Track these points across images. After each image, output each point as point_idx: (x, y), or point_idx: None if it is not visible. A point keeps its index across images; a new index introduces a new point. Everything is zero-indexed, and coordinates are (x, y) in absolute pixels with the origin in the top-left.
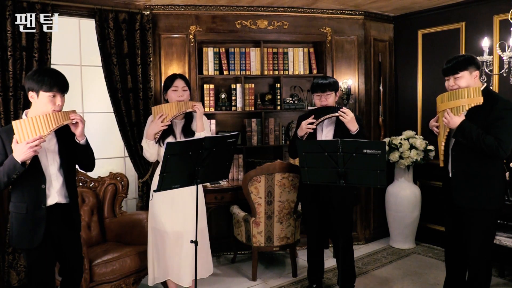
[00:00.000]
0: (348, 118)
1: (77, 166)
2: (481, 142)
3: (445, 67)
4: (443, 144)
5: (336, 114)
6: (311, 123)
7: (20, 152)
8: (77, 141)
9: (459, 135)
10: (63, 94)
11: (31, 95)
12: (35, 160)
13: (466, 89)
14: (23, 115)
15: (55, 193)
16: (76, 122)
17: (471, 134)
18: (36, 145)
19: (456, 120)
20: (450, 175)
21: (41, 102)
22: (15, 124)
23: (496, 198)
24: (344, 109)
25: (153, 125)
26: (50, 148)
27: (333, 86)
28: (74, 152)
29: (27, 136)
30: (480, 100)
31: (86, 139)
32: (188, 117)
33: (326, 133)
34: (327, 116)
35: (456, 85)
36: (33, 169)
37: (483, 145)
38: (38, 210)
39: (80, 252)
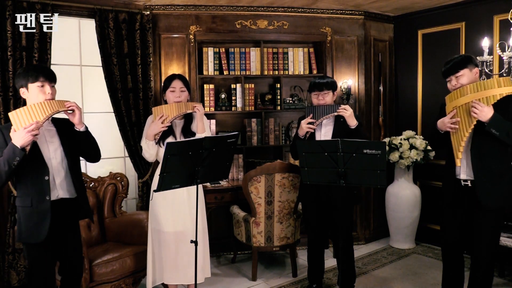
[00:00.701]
0: (348, 113)
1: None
2: None
3: (445, 69)
4: (464, 139)
5: (335, 114)
6: (311, 123)
7: (19, 137)
8: (77, 130)
9: (493, 126)
10: (51, 83)
11: (22, 91)
12: (37, 151)
13: (496, 78)
14: None
15: (58, 186)
16: (73, 111)
17: (505, 125)
18: (33, 130)
19: (488, 110)
20: (466, 176)
21: (32, 94)
22: (11, 114)
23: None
24: (343, 106)
25: (153, 126)
26: (52, 142)
27: (331, 85)
28: (76, 144)
29: (23, 123)
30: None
31: (86, 126)
32: (188, 118)
33: (325, 132)
34: (328, 116)
35: (458, 83)
36: (35, 160)
37: None
38: (43, 202)
39: (80, 250)
